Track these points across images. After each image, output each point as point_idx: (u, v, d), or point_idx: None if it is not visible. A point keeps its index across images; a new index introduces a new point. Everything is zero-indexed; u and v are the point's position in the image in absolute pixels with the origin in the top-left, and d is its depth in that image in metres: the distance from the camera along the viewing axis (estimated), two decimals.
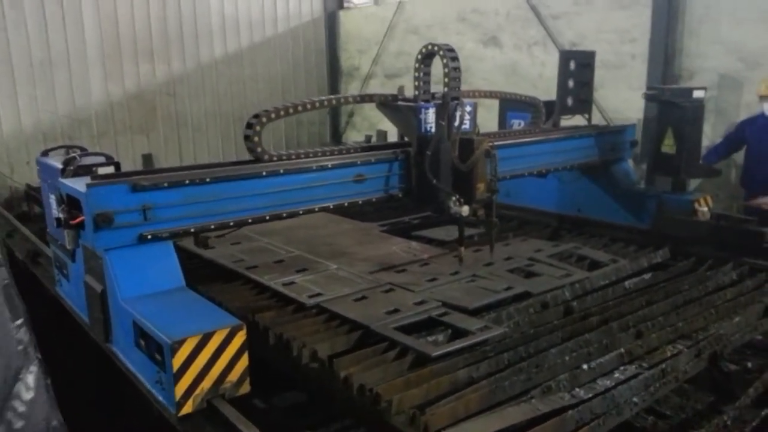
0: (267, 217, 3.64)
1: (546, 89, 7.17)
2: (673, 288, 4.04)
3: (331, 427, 3.11)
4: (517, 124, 5.71)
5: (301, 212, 3.76)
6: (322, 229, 5.25)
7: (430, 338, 3.25)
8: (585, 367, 2.94)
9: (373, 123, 11.13)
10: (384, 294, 3.81)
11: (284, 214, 3.70)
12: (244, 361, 2.88)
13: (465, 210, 3.81)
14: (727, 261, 4.50)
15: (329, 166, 3.79)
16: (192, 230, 3.43)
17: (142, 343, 2.93)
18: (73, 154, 3.68)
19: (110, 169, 3.58)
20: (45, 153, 4.29)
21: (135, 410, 3.41)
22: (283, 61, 11.42)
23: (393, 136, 9.42)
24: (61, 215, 3.29)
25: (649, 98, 5.36)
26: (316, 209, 3.83)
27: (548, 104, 5.21)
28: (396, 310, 3.51)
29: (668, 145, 5.10)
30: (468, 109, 3.93)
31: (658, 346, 3.21)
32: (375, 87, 11.04)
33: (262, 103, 10.94)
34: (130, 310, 3.03)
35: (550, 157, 4.88)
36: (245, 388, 2.91)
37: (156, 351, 2.80)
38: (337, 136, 12.13)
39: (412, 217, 5.83)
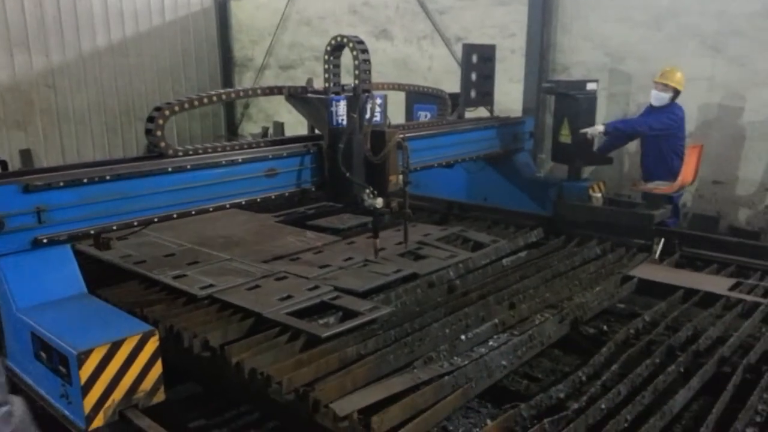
0: (174, 215, 3.51)
1: (434, 81, 7.48)
2: (544, 263, 4.44)
3: (228, 414, 3.18)
4: (424, 115, 5.87)
5: (211, 209, 3.66)
6: (216, 222, 5.21)
7: (321, 321, 3.40)
8: (463, 337, 3.21)
9: (269, 114, 11.06)
10: (277, 282, 3.90)
11: (193, 212, 3.59)
12: (157, 369, 2.79)
13: (379, 202, 3.88)
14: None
15: (240, 160, 3.70)
16: (92, 232, 3.25)
17: (43, 355, 2.78)
18: None
19: None
20: None
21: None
22: (173, 52, 11.06)
23: (290, 127, 9.50)
24: None
25: (546, 90, 5.65)
26: (227, 206, 3.73)
27: (453, 96, 5.37)
28: (289, 297, 3.62)
29: (565, 135, 5.44)
30: (378, 101, 3.97)
31: (528, 315, 3.56)
32: (269, 78, 10.96)
33: (150, 95, 10.56)
34: (27, 320, 2.86)
35: (458, 148, 5.05)
36: (159, 396, 2.81)
37: (60, 363, 2.67)
38: (232, 129, 11.93)
39: (307, 207, 5.93)
